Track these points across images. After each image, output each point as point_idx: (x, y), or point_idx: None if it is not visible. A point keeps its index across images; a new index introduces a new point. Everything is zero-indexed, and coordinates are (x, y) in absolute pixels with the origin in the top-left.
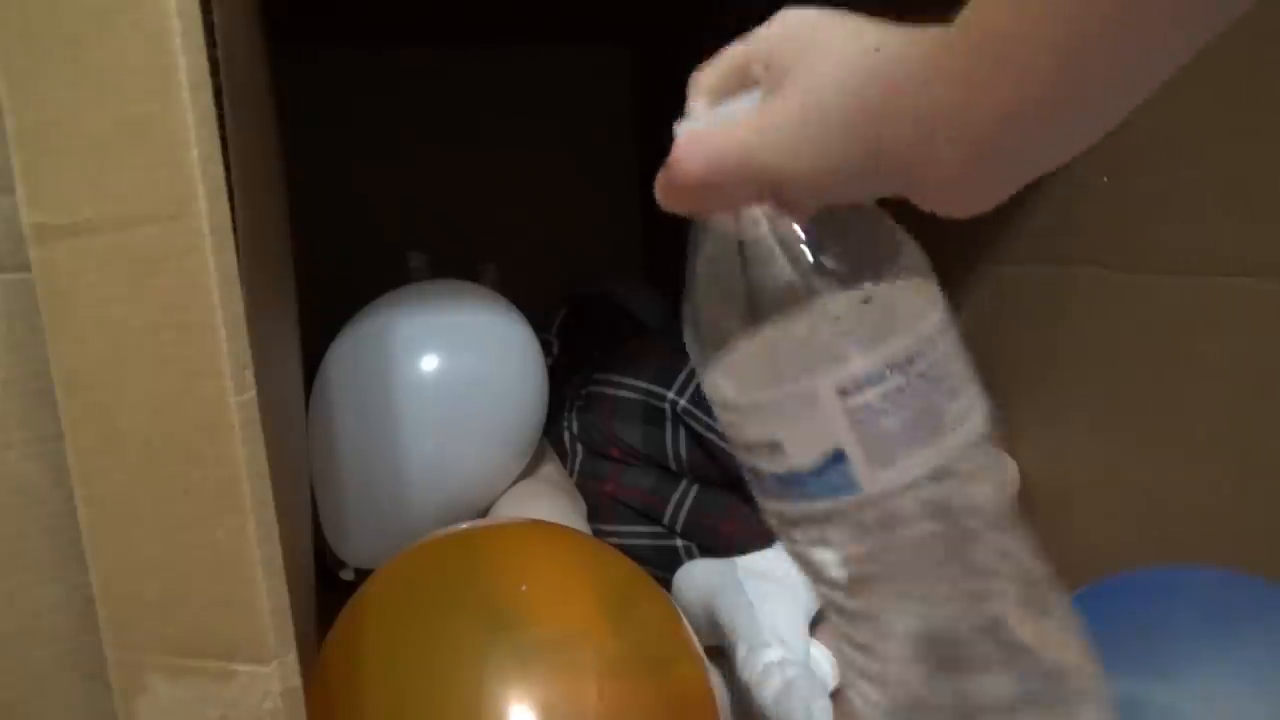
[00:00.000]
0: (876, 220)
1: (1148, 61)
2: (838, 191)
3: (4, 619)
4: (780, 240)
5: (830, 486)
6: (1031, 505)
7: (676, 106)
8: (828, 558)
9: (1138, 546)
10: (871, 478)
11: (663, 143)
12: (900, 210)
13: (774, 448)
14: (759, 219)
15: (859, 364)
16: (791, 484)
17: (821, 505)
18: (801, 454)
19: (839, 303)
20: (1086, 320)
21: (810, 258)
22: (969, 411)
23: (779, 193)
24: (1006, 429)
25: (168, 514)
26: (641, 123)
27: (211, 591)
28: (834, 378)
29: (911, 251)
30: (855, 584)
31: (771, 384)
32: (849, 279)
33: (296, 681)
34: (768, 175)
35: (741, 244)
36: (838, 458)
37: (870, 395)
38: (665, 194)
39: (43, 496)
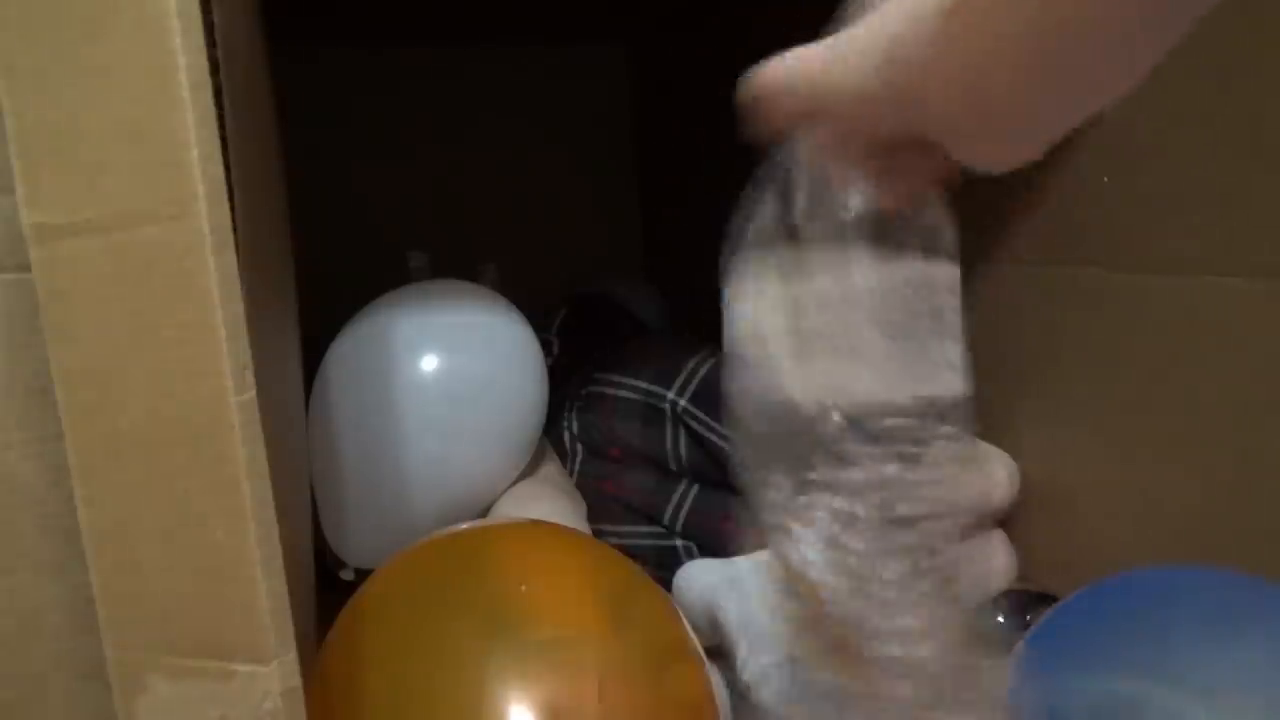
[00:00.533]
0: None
1: (1128, 28)
2: (872, 118)
3: (3, 619)
4: (816, 177)
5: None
6: (1031, 505)
7: (675, 106)
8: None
9: (1138, 546)
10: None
11: (661, 142)
12: None
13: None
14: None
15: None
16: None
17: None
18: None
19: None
20: (1086, 320)
21: (838, 202)
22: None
23: (823, 106)
24: (1006, 429)
25: (168, 514)
26: (640, 123)
27: (211, 591)
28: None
29: (947, 236)
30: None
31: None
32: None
33: (296, 681)
34: (808, 81)
35: (791, 175)
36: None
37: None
38: (744, 108)
39: (42, 496)
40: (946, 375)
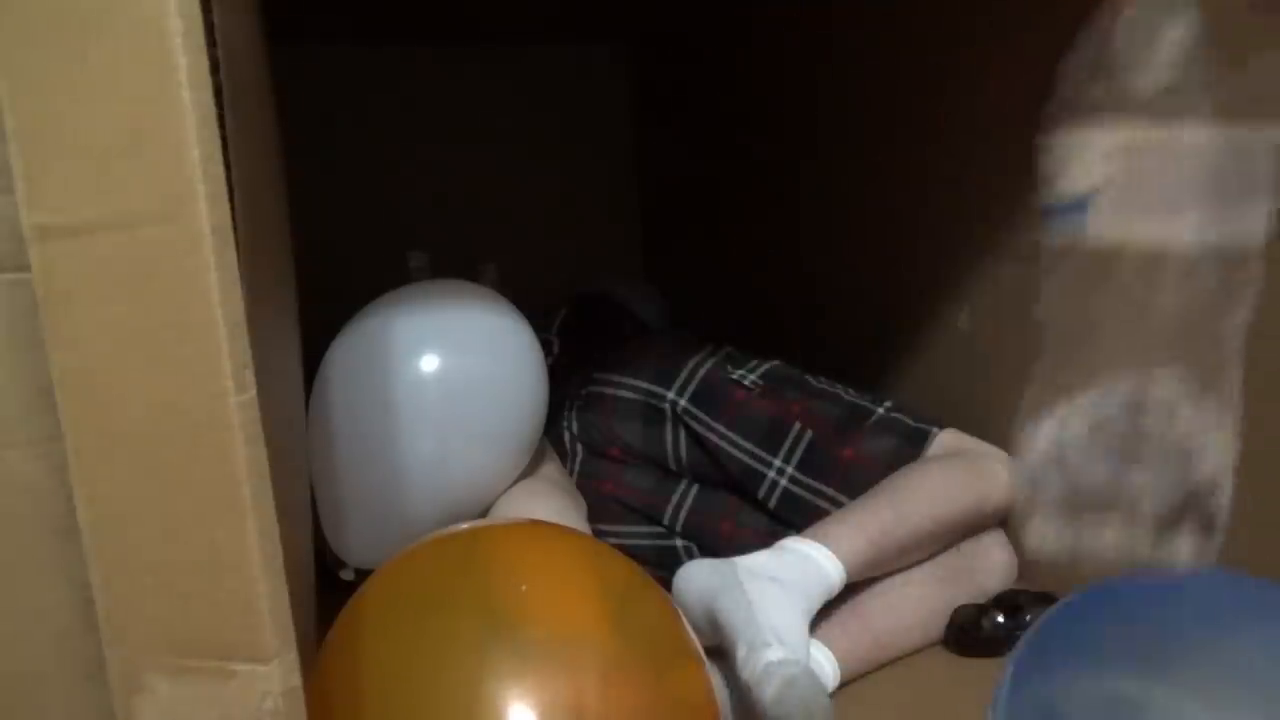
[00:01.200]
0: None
1: None
2: None
3: (5, 619)
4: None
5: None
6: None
7: (675, 106)
8: None
9: None
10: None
11: (661, 142)
12: (907, 210)
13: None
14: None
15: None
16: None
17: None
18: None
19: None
20: None
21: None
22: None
23: None
24: (1006, 428)
25: (168, 514)
26: (640, 122)
27: (211, 591)
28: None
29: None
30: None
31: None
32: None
33: (296, 681)
34: None
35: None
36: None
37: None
38: None
39: (44, 497)
40: (1250, 226)
